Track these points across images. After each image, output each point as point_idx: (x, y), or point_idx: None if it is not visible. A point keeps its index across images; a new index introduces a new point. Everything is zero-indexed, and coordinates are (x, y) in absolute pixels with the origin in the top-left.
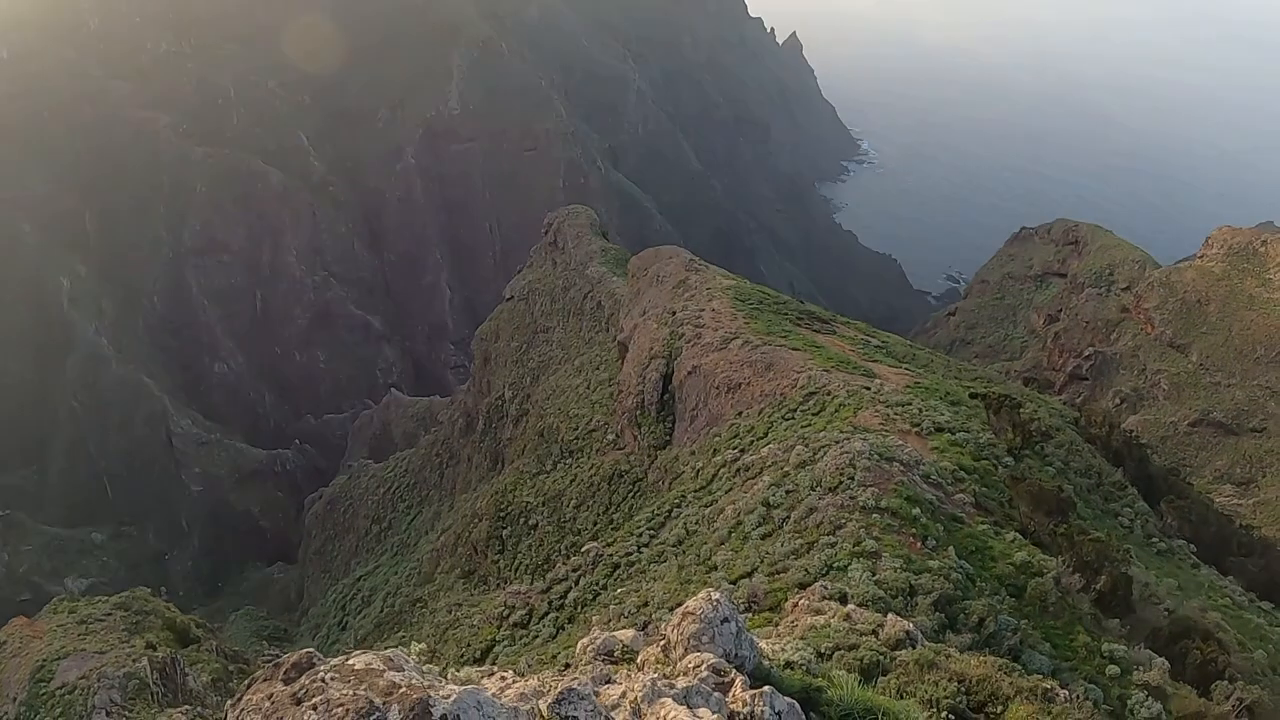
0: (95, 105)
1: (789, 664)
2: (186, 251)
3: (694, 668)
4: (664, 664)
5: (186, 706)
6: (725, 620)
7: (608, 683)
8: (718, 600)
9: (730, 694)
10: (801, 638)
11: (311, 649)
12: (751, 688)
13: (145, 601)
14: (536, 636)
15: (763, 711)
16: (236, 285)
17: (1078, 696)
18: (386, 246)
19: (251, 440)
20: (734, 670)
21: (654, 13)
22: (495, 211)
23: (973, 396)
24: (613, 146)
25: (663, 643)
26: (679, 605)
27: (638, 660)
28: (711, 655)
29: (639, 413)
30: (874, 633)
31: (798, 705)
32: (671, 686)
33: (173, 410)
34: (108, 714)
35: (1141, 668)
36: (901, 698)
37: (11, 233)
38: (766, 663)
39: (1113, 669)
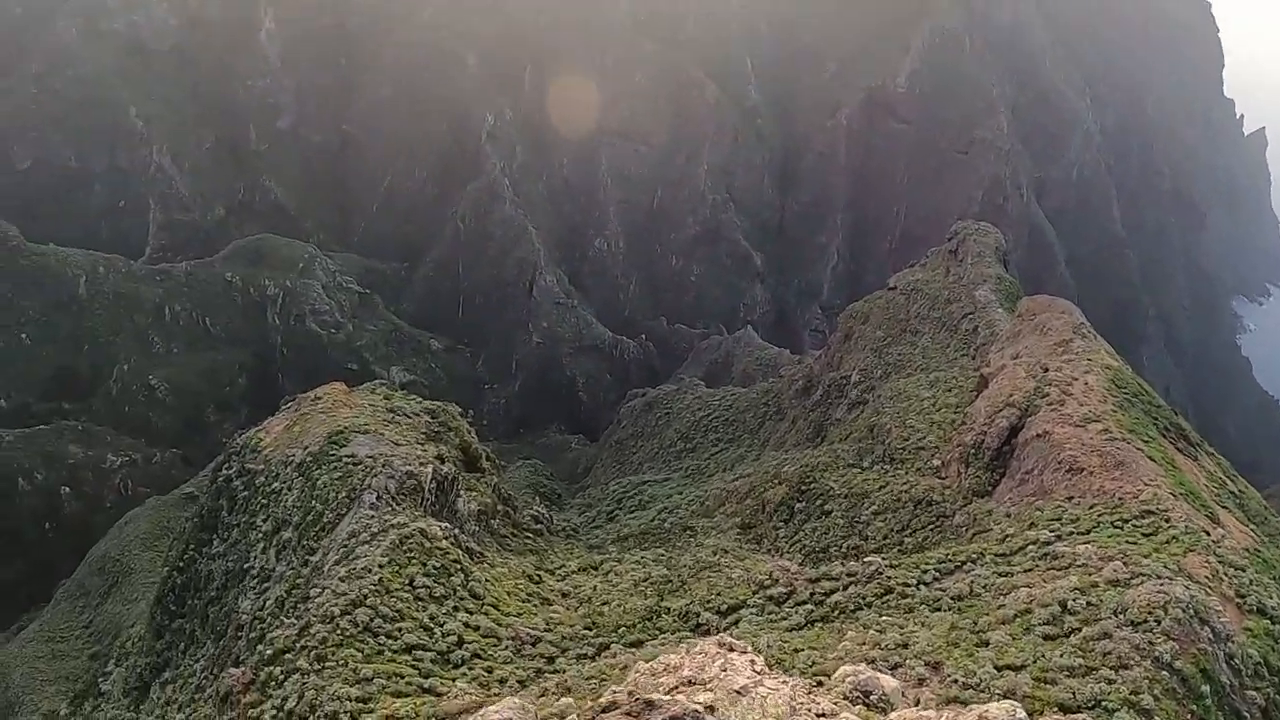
0: None
1: None
2: (601, 132)
3: None
4: None
5: (446, 524)
6: None
7: None
8: None
9: None
10: None
11: None
12: None
13: (451, 418)
14: (785, 619)
15: None
16: (642, 175)
17: None
18: (792, 194)
19: (602, 320)
20: None
21: (1120, 50)
22: (906, 199)
23: None
24: (1042, 178)
25: None
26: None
27: None
28: None
29: (973, 452)
30: None
31: None
32: None
33: (543, 263)
34: (378, 497)
35: None
36: None
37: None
38: None
39: None
